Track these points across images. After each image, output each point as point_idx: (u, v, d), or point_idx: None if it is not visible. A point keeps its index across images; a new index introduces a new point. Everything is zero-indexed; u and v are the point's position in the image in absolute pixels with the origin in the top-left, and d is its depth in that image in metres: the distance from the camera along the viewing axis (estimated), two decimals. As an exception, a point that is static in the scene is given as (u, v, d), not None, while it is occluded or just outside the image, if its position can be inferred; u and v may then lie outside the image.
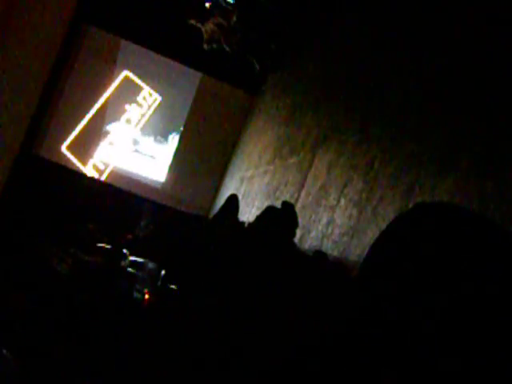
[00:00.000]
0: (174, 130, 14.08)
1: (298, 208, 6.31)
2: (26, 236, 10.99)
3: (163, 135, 14.07)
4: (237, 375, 3.32)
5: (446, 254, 1.08)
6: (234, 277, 4.01)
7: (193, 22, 11.70)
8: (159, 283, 7.58)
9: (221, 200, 10.55)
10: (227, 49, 11.76)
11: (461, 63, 4.13)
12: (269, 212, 4.92)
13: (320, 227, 5.85)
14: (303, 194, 6.86)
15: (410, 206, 4.08)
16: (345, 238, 5.12)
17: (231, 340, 3.48)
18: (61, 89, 13.38)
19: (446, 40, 4.54)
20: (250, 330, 3.45)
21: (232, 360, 3.36)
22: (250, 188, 10.21)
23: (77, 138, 13.56)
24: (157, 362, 3.98)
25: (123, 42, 13.67)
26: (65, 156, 13.46)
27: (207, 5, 11.54)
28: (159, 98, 14.03)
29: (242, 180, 11.40)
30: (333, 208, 5.71)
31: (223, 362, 3.39)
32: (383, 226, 4.43)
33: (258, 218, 4.85)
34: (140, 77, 13.97)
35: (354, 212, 5.13)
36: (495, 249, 1.09)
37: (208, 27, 11.63)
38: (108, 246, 10.43)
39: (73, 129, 13.53)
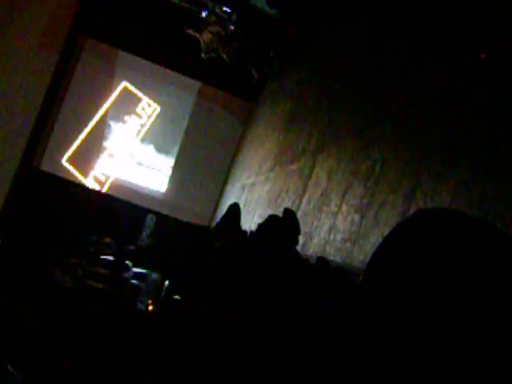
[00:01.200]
0: (173, 140, 14.09)
1: (299, 215, 6.30)
2: (27, 249, 10.99)
3: (163, 145, 14.08)
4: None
5: (448, 260, 1.08)
6: (236, 286, 4.00)
7: (190, 31, 11.72)
8: (163, 294, 7.57)
9: (222, 209, 10.55)
10: (225, 57, 11.78)
11: (460, 64, 4.13)
12: (270, 220, 4.91)
13: (322, 233, 5.84)
14: (304, 200, 6.85)
15: (412, 210, 4.07)
16: (347, 244, 5.11)
17: (236, 350, 3.47)
18: (60, 101, 13.40)
19: (446, 42, 4.53)
20: (254, 339, 3.44)
21: (237, 369, 3.35)
22: (251, 196, 10.21)
23: (77, 150, 13.57)
24: (160, 372, 3.97)
25: (121, 53, 13.70)
26: (65, 168, 13.47)
27: (204, 14, 11.56)
28: (158, 108, 14.05)
29: (243, 188, 11.40)
30: (334, 214, 5.70)
31: (228, 372, 3.38)
32: (385, 230, 4.43)
33: (260, 226, 4.85)
34: (138, 87, 13.99)
35: (356, 217, 5.12)
36: (496, 253, 1.08)
37: (205, 36, 11.65)
38: (110, 258, 10.43)
39: (73, 141, 13.55)
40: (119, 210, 13.48)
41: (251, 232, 5.18)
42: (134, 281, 9.79)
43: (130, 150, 13.93)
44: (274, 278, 3.91)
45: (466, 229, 1.14)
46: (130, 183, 13.91)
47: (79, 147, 13.59)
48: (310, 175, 6.98)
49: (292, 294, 3.72)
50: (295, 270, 4.25)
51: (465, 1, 4.41)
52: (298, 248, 5.55)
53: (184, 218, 13.44)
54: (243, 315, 3.67)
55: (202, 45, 11.79)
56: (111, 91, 13.83)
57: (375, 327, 1.14)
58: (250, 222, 8.73)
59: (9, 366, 4.88)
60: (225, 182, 13.79)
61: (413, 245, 1.15)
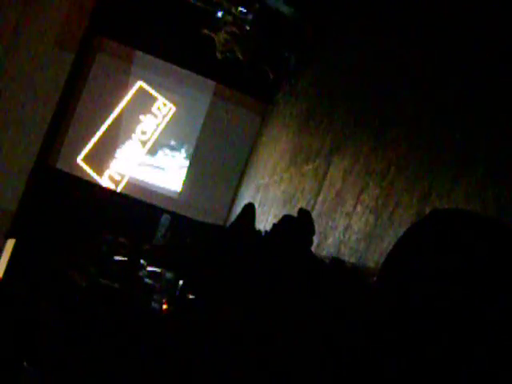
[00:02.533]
0: (188, 140, 14.10)
1: (314, 215, 6.30)
2: (42, 248, 11.03)
3: (178, 145, 14.10)
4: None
5: (463, 260, 1.07)
6: (251, 285, 4.00)
7: (206, 31, 11.72)
8: (177, 293, 7.58)
9: (237, 208, 10.56)
10: (241, 58, 11.78)
11: (477, 68, 4.12)
12: (285, 220, 4.91)
13: (337, 234, 5.84)
14: (319, 200, 6.85)
15: (427, 211, 4.06)
16: (362, 244, 5.11)
17: (250, 350, 3.47)
18: (76, 100, 13.44)
19: (460, 47, 4.52)
20: (269, 339, 3.44)
21: (252, 370, 3.35)
22: (266, 196, 10.21)
23: (92, 149, 13.60)
24: (173, 372, 3.97)
25: (136, 53, 13.72)
26: (81, 167, 13.51)
27: (220, 14, 11.56)
28: (173, 108, 14.07)
29: (257, 188, 11.40)
30: (349, 214, 5.70)
31: (243, 373, 3.38)
32: (400, 231, 4.42)
33: (275, 226, 4.85)
34: (154, 87, 14.01)
35: (371, 218, 5.11)
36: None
37: (221, 36, 11.65)
38: (125, 259, 10.45)
39: (88, 140, 13.58)
40: (134, 210, 13.50)
41: (266, 232, 5.18)
42: (148, 280, 9.80)
43: (145, 150, 13.95)
44: (289, 278, 3.91)
45: (481, 229, 1.14)
46: (145, 183, 13.93)
47: (94, 146, 13.62)
48: (325, 175, 6.97)
49: (307, 294, 3.72)
50: (310, 270, 4.25)
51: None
52: (313, 248, 5.55)
53: (199, 217, 13.44)
54: (257, 315, 3.67)
55: (218, 45, 11.79)
56: (127, 91, 13.86)
57: (389, 328, 1.14)
58: (264, 222, 8.73)
59: (25, 363, 4.90)
60: (240, 182, 13.78)
61: (427, 245, 1.15)
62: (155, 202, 13.78)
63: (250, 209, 6.78)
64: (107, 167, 13.71)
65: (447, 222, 1.16)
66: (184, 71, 13.85)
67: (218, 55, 11.94)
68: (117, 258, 10.50)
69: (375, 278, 1.27)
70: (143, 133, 13.91)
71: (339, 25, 8.94)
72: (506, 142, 3.39)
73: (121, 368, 5.40)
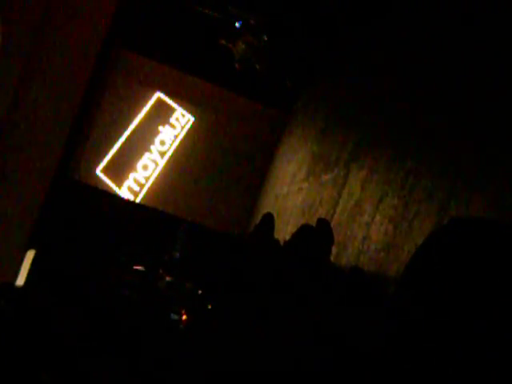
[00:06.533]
0: (207, 150, 14.13)
1: (333, 225, 6.29)
2: (62, 259, 11.07)
3: (197, 155, 14.12)
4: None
5: (484, 269, 1.07)
6: (271, 295, 4.00)
7: (223, 42, 11.77)
8: (196, 303, 7.59)
9: (257, 218, 10.57)
10: (258, 68, 11.81)
11: (494, 75, 4.11)
12: (304, 230, 4.91)
13: (356, 243, 5.83)
14: (338, 210, 6.84)
15: (446, 220, 4.05)
16: (381, 254, 5.09)
17: (269, 358, 3.47)
18: (94, 112, 13.51)
19: (477, 53, 4.52)
20: (288, 347, 3.44)
21: (271, 378, 3.35)
22: (284, 206, 10.21)
23: (111, 160, 13.66)
24: (193, 381, 3.98)
25: (155, 64, 13.78)
26: (100, 179, 13.56)
27: (237, 25, 11.60)
28: (192, 119, 14.11)
29: (276, 198, 11.40)
30: (368, 224, 5.69)
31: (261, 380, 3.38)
32: (419, 241, 4.40)
33: (294, 236, 4.85)
34: (172, 98, 14.06)
35: (390, 228, 5.10)
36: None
37: (239, 47, 11.68)
38: (143, 269, 10.48)
39: (107, 151, 13.64)
40: (153, 220, 13.53)
41: (285, 242, 5.18)
42: (167, 290, 9.82)
43: (163, 160, 13.99)
44: (307, 287, 3.91)
45: (501, 237, 1.13)
46: (164, 193, 13.97)
47: (113, 157, 13.68)
48: (344, 185, 6.97)
49: (326, 302, 3.72)
50: (329, 280, 4.25)
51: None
52: (332, 258, 5.55)
53: (218, 227, 13.46)
54: (276, 323, 3.67)
55: (236, 55, 11.82)
56: (145, 102, 13.91)
57: (409, 338, 1.14)
58: (283, 231, 8.73)
59: (42, 373, 4.91)
60: (259, 192, 13.80)
61: (447, 254, 1.15)
62: (174, 211, 13.81)
63: (269, 218, 6.79)
64: (126, 178, 13.76)
65: (467, 230, 1.16)
66: (202, 82, 13.89)
67: (236, 65, 11.97)
68: (136, 267, 10.53)
69: (395, 288, 1.27)
70: (162, 143, 13.95)
71: (358, 33, 8.94)
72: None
73: (139, 378, 5.41)
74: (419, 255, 1.21)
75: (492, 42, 4.34)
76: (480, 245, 1.11)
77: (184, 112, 14.11)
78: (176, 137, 14.05)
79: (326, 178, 7.93)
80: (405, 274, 1.22)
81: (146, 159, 13.88)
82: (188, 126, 14.11)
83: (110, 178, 13.65)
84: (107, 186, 13.62)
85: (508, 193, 3.39)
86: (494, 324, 1.03)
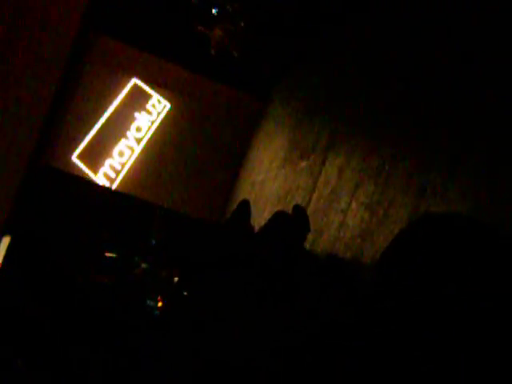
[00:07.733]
0: (183, 136, 14.09)
1: (309, 212, 6.30)
2: (37, 245, 11.02)
3: (173, 141, 14.07)
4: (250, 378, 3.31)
5: (455, 262, 1.09)
6: (245, 282, 4.01)
7: (200, 28, 11.73)
8: (172, 290, 7.59)
9: (233, 205, 10.57)
10: (235, 54, 11.78)
11: (471, 62, 4.13)
12: (279, 217, 4.92)
13: (332, 231, 5.84)
14: (314, 197, 6.85)
15: (422, 208, 4.07)
16: (357, 241, 5.11)
17: (244, 344, 3.47)
18: (70, 98, 13.42)
19: (457, 40, 4.53)
20: (262, 334, 3.44)
21: (246, 364, 3.35)
22: (261, 193, 10.21)
23: (87, 146, 13.58)
24: (169, 368, 3.98)
25: (131, 50, 13.70)
26: (75, 165, 13.49)
27: (214, 11, 11.56)
28: (168, 105, 14.06)
29: (252, 185, 11.40)
30: (344, 211, 5.70)
31: (237, 367, 3.39)
32: (395, 228, 4.43)
33: (268, 222, 4.86)
34: (148, 84, 14.00)
35: (366, 215, 5.12)
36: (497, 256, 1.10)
37: (216, 33, 11.65)
38: (115, 255, 10.46)
39: (83, 137, 13.55)
40: (129, 206, 13.50)
41: (259, 228, 5.18)
42: (143, 277, 9.81)
43: (140, 147, 13.94)
44: (283, 275, 3.92)
45: (473, 232, 1.16)
46: (140, 180, 13.92)
47: (89, 144, 13.60)
48: (320, 172, 6.98)
49: (301, 289, 3.73)
50: (304, 266, 4.26)
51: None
52: (308, 244, 5.56)
53: (194, 214, 13.45)
54: (249, 312, 3.68)
55: (212, 41, 11.79)
56: (121, 88, 13.83)
57: (386, 324, 1.15)
58: (259, 218, 8.73)
59: (19, 361, 4.90)
60: (235, 179, 13.79)
61: (421, 246, 1.17)
62: (150, 198, 13.77)
63: (245, 205, 6.79)
64: (102, 165, 13.69)
65: (440, 225, 1.18)
66: (179, 68, 13.84)
67: (213, 52, 11.94)
68: (110, 255, 10.51)
69: (371, 274, 1.28)
70: (138, 130, 13.89)
71: (334, 22, 8.94)
72: (501, 139, 3.40)
73: (118, 365, 5.40)
74: (392, 249, 1.23)
75: (465, 31, 4.36)
76: (452, 239, 1.13)
77: (160, 98, 14.05)
78: (152, 123, 14.00)
79: (302, 165, 7.93)
80: (380, 262, 1.23)
81: (122, 145, 13.81)
82: (164, 113, 14.06)
83: (86, 164, 13.58)
84: (83, 172, 13.55)
85: (483, 182, 3.41)
86: (466, 311, 1.04)
